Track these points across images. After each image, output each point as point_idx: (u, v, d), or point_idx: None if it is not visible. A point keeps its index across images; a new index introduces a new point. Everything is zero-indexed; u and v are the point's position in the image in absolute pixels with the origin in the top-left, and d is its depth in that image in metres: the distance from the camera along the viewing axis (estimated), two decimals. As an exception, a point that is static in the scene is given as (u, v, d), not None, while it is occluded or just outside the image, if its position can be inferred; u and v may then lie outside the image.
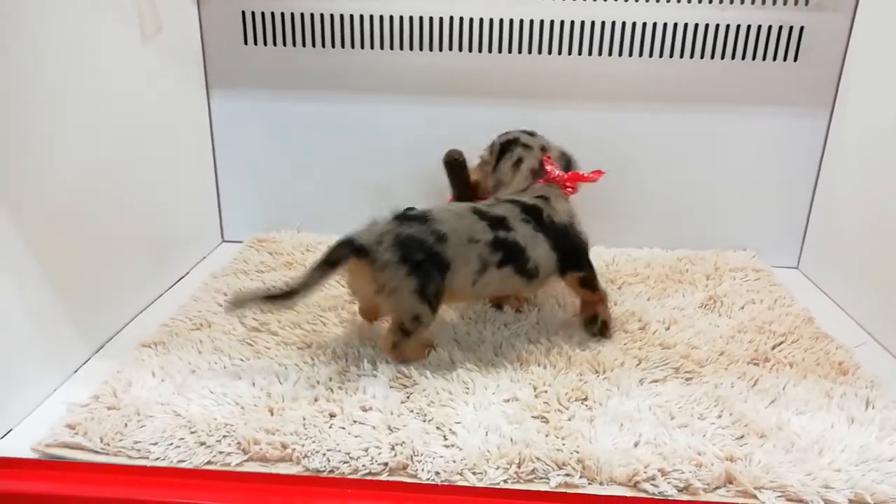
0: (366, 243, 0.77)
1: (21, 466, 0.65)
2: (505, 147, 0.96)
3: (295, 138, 1.22)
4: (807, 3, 1.07)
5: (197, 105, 1.17)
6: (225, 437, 0.68)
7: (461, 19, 1.12)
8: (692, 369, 0.82)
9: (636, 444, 0.69)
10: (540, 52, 1.13)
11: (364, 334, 0.88)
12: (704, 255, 1.18)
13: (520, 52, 1.13)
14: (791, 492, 0.63)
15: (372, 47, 1.15)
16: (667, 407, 0.74)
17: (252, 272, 1.09)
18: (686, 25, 1.10)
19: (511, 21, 1.12)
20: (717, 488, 0.64)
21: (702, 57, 1.12)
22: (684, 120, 1.16)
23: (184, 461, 0.66)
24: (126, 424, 0.70)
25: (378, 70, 1.16)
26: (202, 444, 0.67)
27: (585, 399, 0.76)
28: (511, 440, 0.68)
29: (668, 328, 0.93)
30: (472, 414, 0.73)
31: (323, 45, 1.16)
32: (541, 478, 0.65)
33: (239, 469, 0.66)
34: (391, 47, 1.15)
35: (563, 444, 0.68)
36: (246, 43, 1.16)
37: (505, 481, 0.64)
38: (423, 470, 0.65)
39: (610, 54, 1.13)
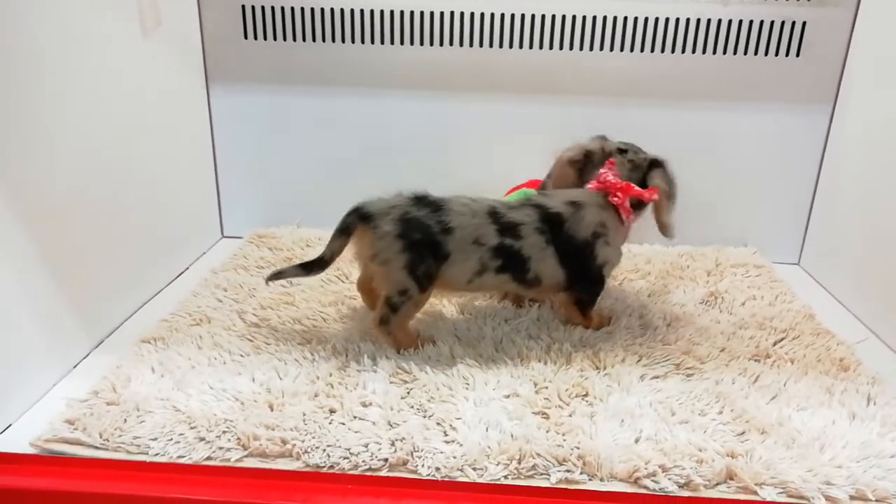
0: (372, 211, 0.81)
1: (20, 462, 0.65)
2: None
3: (295, 132, 1.21)
4: (809, -1, 1.07)
5: (196, 99, 1.17)
6: (225, 432, 0.68)
7: (461, 14, 1.12)
8: (693, 365, 0.82)
9: (637, 441, 0.68)
10: (541, 47, 1.13)
11: (364, 330, 0.88)
12: (705, 251, 1.18)
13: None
14: (792, 488, 0.63)
15: (373, 42, 1.15)
16: (668, 403, 0.74)
17: (252, 268, 1.08)
18: (688, 21, 1.10)
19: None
20: (717, 484, 0.64)
21: (703, 52, 1.12)
22: (686, 116, 1.16)
23: (183, 457, 0.66)
24: (125, 420, 0.69)
25: (379, 65, 1.16)
26: (202, 439, 0.67)
27: (586, 395, 0.76)
28: (511, 436, 0.68)
29: (668, 324, 0.93)
30: (473, 410, 0.72)
31: (324, 40, 1.15)
32: (541, 474, 0.65)
33: (239, 465, 0.66)
34: (392, 42, 1.14)
35: (564, 440, 0.68)
36: (246, 37, 1.16)
37: (505, 477, 0.64)
38: (423, 466, 0.65)
39: (611, 49, 1.12)
